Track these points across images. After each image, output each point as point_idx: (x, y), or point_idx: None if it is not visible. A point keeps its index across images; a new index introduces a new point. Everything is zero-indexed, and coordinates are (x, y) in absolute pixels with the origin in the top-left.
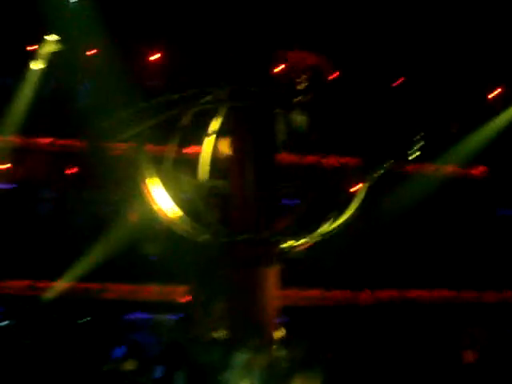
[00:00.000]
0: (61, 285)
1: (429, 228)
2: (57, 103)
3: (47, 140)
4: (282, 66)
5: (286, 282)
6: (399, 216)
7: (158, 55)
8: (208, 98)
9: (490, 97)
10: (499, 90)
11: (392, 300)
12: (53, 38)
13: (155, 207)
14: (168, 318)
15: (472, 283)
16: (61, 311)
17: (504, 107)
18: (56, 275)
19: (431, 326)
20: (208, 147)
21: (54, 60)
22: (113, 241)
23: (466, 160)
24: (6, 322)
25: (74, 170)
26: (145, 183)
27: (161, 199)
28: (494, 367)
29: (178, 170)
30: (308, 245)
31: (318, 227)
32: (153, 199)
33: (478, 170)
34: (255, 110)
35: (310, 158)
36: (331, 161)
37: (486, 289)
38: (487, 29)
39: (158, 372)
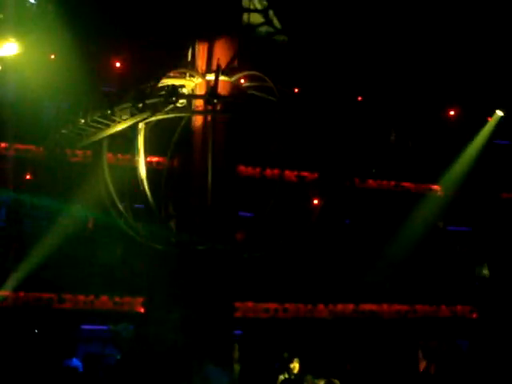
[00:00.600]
0: (12, 294)
1: (384, 242)
2: (14, 108)
3: (3, 144)
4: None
5: (244, 294)
6: (356, 230)
7: (119, 62)
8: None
9: (445, 115)
10: (454, 109)
11: (348, 314)
12: (11, 41)
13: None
14: (125, 328)
15: (426, 298)
16: (12, 322)
17: (459, 126)
18: (7, 284)
19: (386, 340)
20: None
21: (12, 64)
22: (69, 249)
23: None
24: None
25: (30, 176)
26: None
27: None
28: (448, 378)
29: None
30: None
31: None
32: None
33: (434, 187)
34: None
35: (269, 172)
36: (290, 175)
37: (439, 303)
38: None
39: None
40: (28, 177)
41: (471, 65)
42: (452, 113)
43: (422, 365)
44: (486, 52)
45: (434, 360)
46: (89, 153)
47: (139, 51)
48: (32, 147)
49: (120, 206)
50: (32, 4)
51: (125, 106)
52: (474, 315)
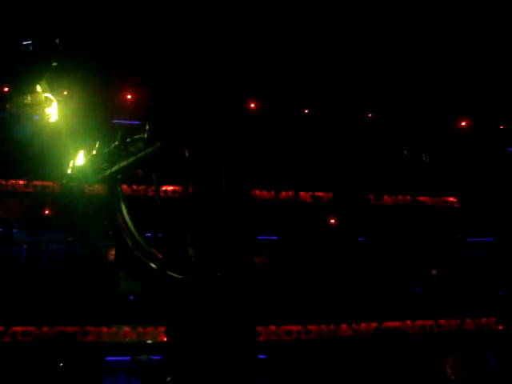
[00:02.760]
0: (36, 329)
1: (405, 258)
2: (30, 145)
3: (21, 182)
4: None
5: (266, 318)
6: (376, 248)
7: (130, 95)
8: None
9: (457, 126)
10: (466, 120)
11: (371, 332)
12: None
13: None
14: (148, 358)
15: (450, 312)
16: (37, 356)
17: (471, 136)
18: (32, 319)
19: (411, 356)
20: None
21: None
22: (90, 282)
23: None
24: None
25: (49, 211)
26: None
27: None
28: None
29: None
30: None
31: None
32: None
33: (449, 200)
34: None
35: (284, 194)
36: (304, 196)
37: (463, 316)
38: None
39: None
40: (47, 212)
41: (481, 74)
42: (464, 123)
43: (451, 380)
44: (496, 61)
45: (463, 375)
46: (105, 186)
47: (149, 84)
48: (49, 183)
49: (138, 237)
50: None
51: (137, 137)
52: (500, 326)
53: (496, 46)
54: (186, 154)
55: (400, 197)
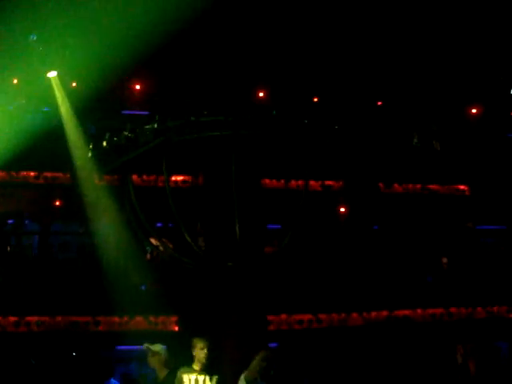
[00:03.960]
0: (50, 319)
1: (415, 246)
2: (41, 136)
3: (32, 173)
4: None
5: (277, 307)
6: (386, 236)
7: (139, 85)
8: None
9: (469, 114)
10: (478, 107)
11: (382, 320)
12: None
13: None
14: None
15: (461, 300)
16: (51, 346)
17: (482, 124)
18: (44, 309)
19: (422, 345)
20: None
21: (36, 93)
22: (101, 272)
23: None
24: None
25: (60, 202)
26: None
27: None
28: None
29: None
30: None
31: None
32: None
33: (460, 188)
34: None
35: (294, 183)
36: (314, 185)
37: (475, 305)
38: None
39: None
40: (57, 203)
41: (492, 62)
42: (475, 111)
43: (462, 368)
44: (506, 50)
45: (474, 363)
46: (116, 177)
47: (157, 74)
48: (60, 174)
49: (148, 226)
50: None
51: (148, 128)
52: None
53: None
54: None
55: (410, 185)
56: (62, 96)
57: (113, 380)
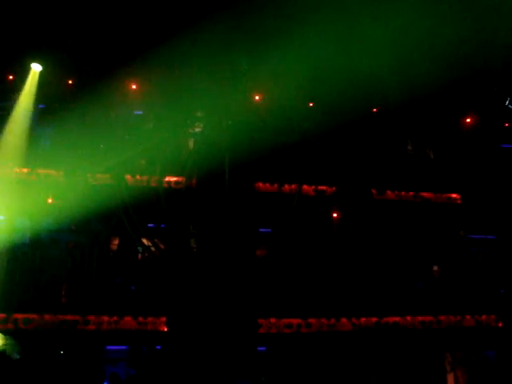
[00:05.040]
0: (38, 317)
1: (406, 254)
2: (35, 134)
3: (25, 170)
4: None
5: (267, 310)
6: (378, 242)
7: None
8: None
9: (462, 123)
10: (471, 117)
11: (371, 326)
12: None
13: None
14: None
15: (451, 308)
16: (38, 344)
17: (475, 134)
18: (32, 307)
19: (411, 351)
20: None
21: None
22: (91, 270)
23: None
24: None
25: (52, 199)
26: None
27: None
28: None
29: None
30: None
31: None
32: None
33: (452, 197)
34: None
35: (287, 187)
36: (307, 189)
37: (464, 313)
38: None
39: None
40: (50, 201)
41: (486, 73)
42: (468, 120)
43: (450, 377)
44: (500, 59)
45: (462, 371)
46: (109, 176)
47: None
48: (53, 172)
49: (139, 227)
50: None
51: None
52: (500, 324)
53: (502, 45)
54: (191, 145)
55: (403, 192)
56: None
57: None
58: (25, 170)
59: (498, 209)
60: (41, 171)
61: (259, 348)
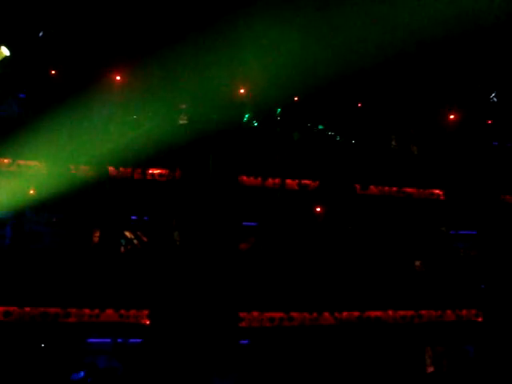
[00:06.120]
0: (19, 309)
1: (389, 248)
2: (17, 124)
3: (6, 160)
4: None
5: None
6: (361, 237)
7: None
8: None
9: (446, 119)
10: (455, 113)
11: (353, 321)
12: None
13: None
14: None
15: (432, 303)
16: (19, 336)
17: (459, 130)
18: (15, 299)
19: (392, 346)
20: None
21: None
22: (74, 263)
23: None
24: None
25: (34, 191)
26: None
27: None
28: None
29: None
30: None
31: None
32: None
33: (435, 193)
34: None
35: (271, 181)
36: (291, 183)
37: (445, 308)
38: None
39: None
40: (32, 192)
41: (469, 68)
42: (452, 117)
43: (430, 370)
44: (484, 56)
45: (442, 365)
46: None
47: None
48: (35, 163)
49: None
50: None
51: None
52: (480, 318)
53: (485, 42)
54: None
55: (386, 187)
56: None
57: (82, 373)
58: (5, 161)
59: (480, 205)
60: (22, 162)
61: (241, 341)
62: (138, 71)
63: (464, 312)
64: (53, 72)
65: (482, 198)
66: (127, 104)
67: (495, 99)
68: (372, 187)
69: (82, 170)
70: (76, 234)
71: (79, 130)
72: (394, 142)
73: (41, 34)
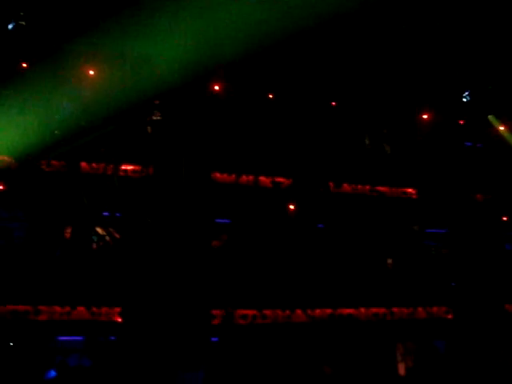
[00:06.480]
0: None
1: (361, 246)
2: None
3: None
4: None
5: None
6: (334, 235)
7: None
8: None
9: (419, 119)
10: (428, 113)
11: (325, 318)
12: None
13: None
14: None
15: (403, 300)
16: None
17: (432, 130)
18: None
19: (364, 343)
20: None
21: None
22: (44, 260)
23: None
24: None
25: (3, 186)
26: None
27: None
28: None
29: None
30: None
31: None
32: None
33: (408, 191)
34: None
35: (245, 178)
36: (265, 181)
37: (416, 305)
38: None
39: None
40: (1, 188)
41: (443, 69)
42: (425, 117)
43: (401, 366)
44: (458, 56)
45: (412, 361)
46: (63, 163)
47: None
48: (4, 157)
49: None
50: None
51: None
52: (450, 316)
53: (459, 42)
54: (149, 130)
55: (360, 186)
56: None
57: (52, 371)
58: None
59: (451, 204)
60: None
61: (213, 339)
62: (110, 66)
63: (435, 309)
64: (24, 65)
65: (453, 197)
66: (99, 99)
67: (468, 97)
68: (345, 185)
69: (53, 165)
70: (47, 231)
71: (51, 125)
72: (367, 141)
73: None
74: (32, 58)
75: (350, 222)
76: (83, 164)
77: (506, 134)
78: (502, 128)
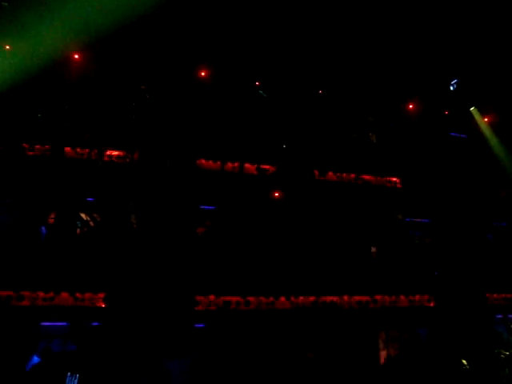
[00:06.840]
0: None
1: (346, 234)
2: None
3: None
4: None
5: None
6: (318, 223)
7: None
8: None
9: (405, 109)
10: (414, 103)
11: (309, 305)
12: None
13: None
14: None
15: (386, 288)
16: None
17: (417, 120)
18: None
19: (347, 330)
20: None
21: None
22: (29, 244)
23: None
24: None
25: None
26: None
27: None
28: (409, 366)
29: None
30: None
31: None
32: None
33: (392, 180)
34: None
35: (230, 165)
36: (250, 168)
37: (399, 293)
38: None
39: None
40: None
41: (430, 58)
42: (411, 106)
43: (383, 354)
44: (444, 46)
45: (395, 349)
46: (47, 147)
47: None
48: None
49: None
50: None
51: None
52: (432, 304)
53: (446, 34)
54: (134, 119)
55: (345, 174)
56: None
57: (35, 357)
58: None
59: (435, 194)
60: None
61: (197, 325)
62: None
63: (417, 297)
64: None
65: (437, 187)
66: (84, 83)
67: (455, 86)
68: (330, 173)
69: (37, 149)
70: (30, 216)
71: (35, 109)
72: (353, 129)
73: None
74: None
75: (334, 210)
76: (67, 149)
77: (487, 127)
78: (484, 120)
